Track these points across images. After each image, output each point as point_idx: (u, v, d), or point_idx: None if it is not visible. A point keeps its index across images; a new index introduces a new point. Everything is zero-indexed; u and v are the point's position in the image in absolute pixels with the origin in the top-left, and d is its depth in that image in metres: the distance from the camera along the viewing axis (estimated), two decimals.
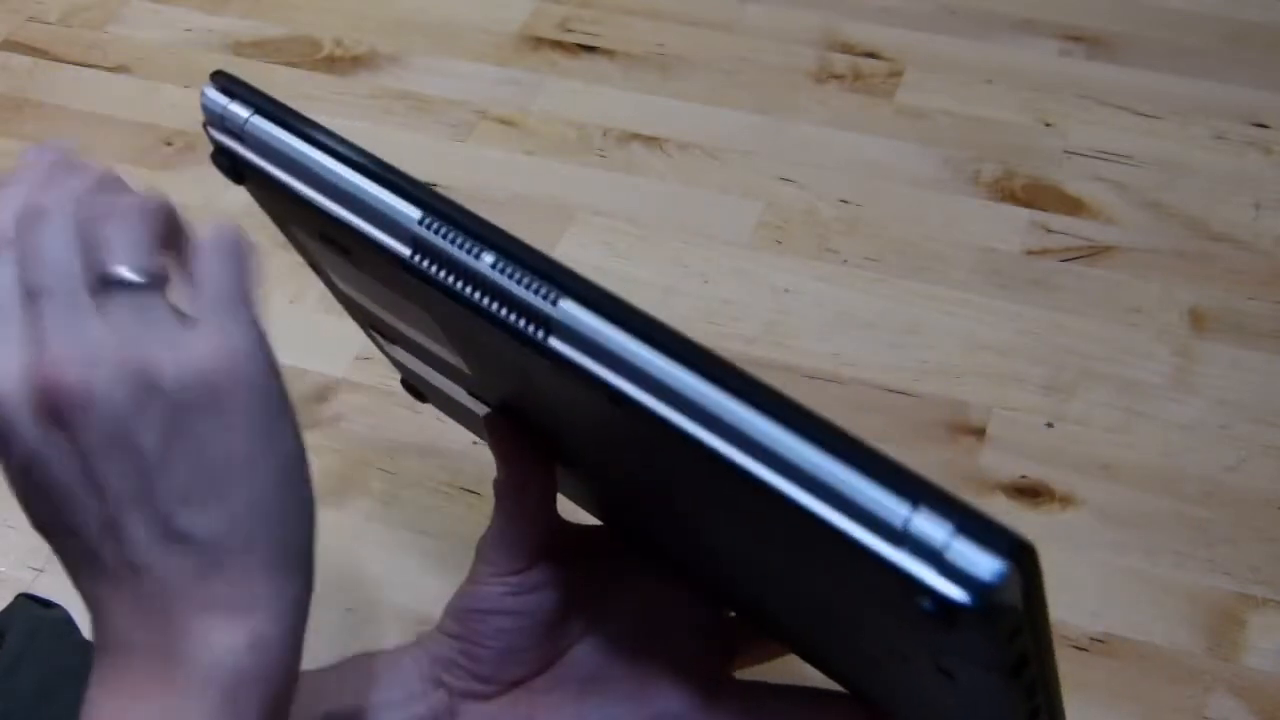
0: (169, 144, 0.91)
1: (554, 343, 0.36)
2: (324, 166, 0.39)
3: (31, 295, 0.35)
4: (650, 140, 0.91)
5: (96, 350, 0.34)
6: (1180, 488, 0.70)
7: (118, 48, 0.99)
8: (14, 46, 1.00)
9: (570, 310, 0.35)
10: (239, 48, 0.99)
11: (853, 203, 0.86)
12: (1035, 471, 0.70)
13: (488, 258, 0.37)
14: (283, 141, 0.40)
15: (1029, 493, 0.69)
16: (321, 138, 0.40)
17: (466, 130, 0.92)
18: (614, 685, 0.48)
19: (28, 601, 0.60)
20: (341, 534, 0.68)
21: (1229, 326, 0.78)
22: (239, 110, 0.41)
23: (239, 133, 0.41)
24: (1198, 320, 0.78)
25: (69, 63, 0.98)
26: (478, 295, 0.37)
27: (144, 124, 0.93)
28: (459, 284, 0.37)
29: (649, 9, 1.02)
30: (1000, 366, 0.76)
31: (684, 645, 0.49)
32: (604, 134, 0.91)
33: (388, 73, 0.96)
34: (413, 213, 0.38)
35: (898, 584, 0.30)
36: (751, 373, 0.33)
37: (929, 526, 0.30)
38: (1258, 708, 0.61)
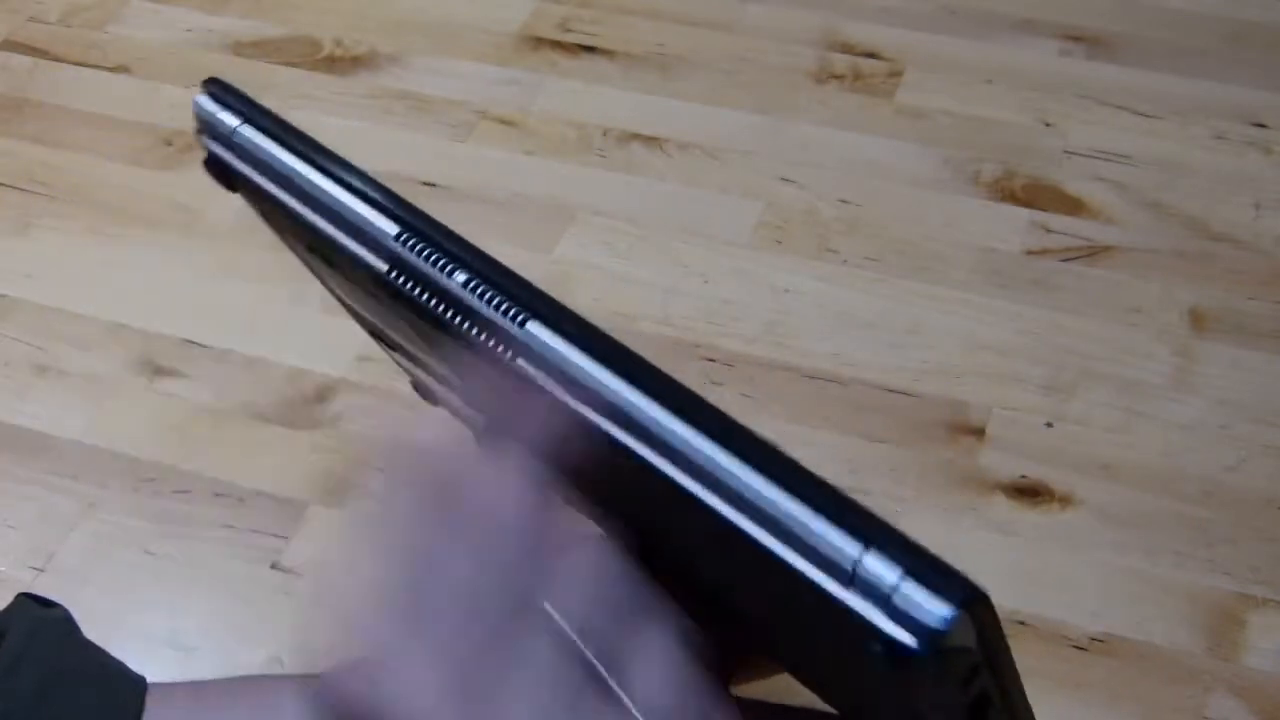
0: (169, 144, 0.91)
1: (520, 364, 0.36)
2: (306, 179, 0.39)
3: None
4: (650, 140, 0.91)
5: None
6: (1180, 488, 0.70)
7: (118, 48, 0.99)
8: (14, 46, 1.00)
9: (536, 333, 0.35)
10: (239, 48, 0.99)
11: (853, 203, 0.86)
12: (1035, 471, 0.70)
13: (460, 276, 0.37)
14: (268, 152, 0.40)
15: (1029, 493, 0.69)
16: (306, 150, 0.39)
17: (466, 130, 0.92)
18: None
19: (28, 601, 0.59)
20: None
21: (1229, 326, 0.78)
22: (228, 119, 0.40)
23: (228, 141, 0.41)
24: (1198, 320, 0.78)
25: (69, 63, 0.98)
26: (449, 313, 0.37)
27: (144, 124, 0.93)
28: (432, 301, 0.37)
29: (649, 9, 1.01)
30: (1000, 366, 0.76)
31: None
32: (604, 134, 0.91)
33: (388, 73, 0.96)
34: (390, 228, 0.38)
35: (850, 626, 0.30)
36: (715, 405, 0.33)
37: (878, 569, 0.29)
38: (1258, 708, 0.61)
